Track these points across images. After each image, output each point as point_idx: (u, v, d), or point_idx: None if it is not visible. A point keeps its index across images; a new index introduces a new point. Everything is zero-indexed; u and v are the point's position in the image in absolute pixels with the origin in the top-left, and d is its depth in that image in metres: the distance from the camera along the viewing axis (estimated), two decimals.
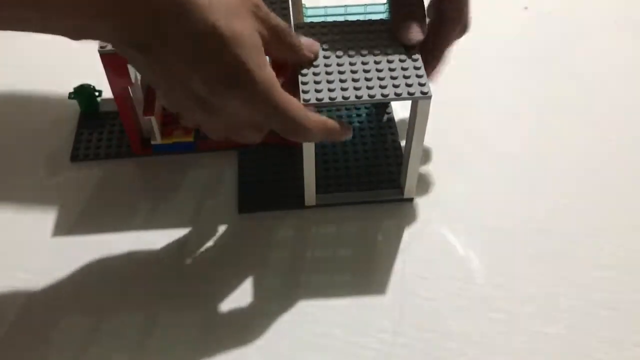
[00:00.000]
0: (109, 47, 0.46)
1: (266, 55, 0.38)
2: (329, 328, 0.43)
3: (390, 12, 0.45)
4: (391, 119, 0.55)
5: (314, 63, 0.43)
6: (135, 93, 0.50)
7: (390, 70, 0.43)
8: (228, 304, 0.44)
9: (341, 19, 0.53)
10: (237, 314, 0.44)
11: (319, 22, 0.46)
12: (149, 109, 0.49)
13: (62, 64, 0.61)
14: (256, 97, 0.36)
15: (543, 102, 0.58)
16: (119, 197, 0.51)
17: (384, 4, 0.53)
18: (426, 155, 0.53)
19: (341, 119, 0.55)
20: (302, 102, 0.42)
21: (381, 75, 0.43)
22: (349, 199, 0.50)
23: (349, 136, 0.43)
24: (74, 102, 0.56)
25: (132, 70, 0.48)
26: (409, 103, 0.44)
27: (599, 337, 0.42)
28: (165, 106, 0.40)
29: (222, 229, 0.48)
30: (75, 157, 0.53)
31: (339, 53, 0.44)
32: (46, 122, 0.56)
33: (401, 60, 0.44)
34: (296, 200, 0.50)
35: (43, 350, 0.42)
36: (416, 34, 0.43)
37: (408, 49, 0.44)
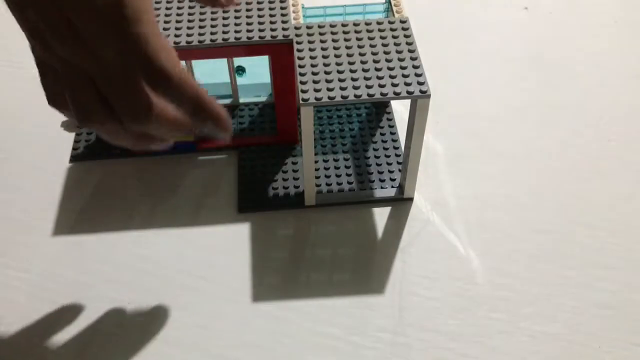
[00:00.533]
0: None
1: None
2: (329, 328, 0.43)
3: None
4: (391, 119, 0.55)
5: (313, 63, 0.43)
6: None
7: (389, 69, 0.43)
8: (228, 304, 0.44)
9: (340, 18, 0.53)
10: (236, 314, 0.44)
11: (318, 22, 0.46)
12: None
13: None
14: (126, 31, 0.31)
15: (543, 102, 0.58)
16: (119, 196, 0.51)
17: (384, 3, 0.53)
18: (426, 155, 0.53)
19: (341, 118, 0.55)
20: (300, 101, 0.42)
21: (380, 74, 0.43)
22: (349, 199, 0.50)
23: (224, 128, 0.36)
24: None
25: None
26: (408, 102, 0.44)
27: (599, 337, 0.42)
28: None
29: (222, 228, 0.48)
30: (75, 157, 0.53)
31: (338, 53, 0.44)
32: (46, 122, 0.56)
33: (400, 60, 0.44)
34: (296, 200, 0.50)
35: (43, 350, 0.42)
36: None
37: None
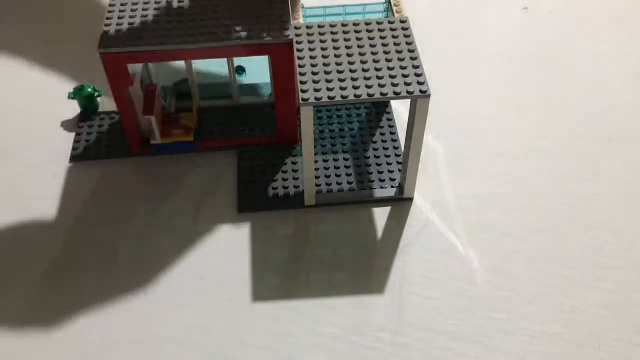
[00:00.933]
0: (109, 47, 0.46)
1: None
2: (329, 328, 0.43)
3: None
4: (391, 119, 0.55)
5: (313, 63, 0.43)
6: (135, 93, 0.50)
7: (389, 69, 0.43)
8: (227, 304, 0.44)
9: (340, 18, 0.53)
10: (236, 314, 0.44)
11: (318, 22, 0.46)
12: (148, 109, 0.49)
13: (62, 64, 0.61)
14: None
15: (543, 102, 0.58)
16: (119, 196, 0.51)
17: (384, 3, 0.53)
18: (426, 155, 0.53)
19: (341, 118, 0.55)
20: (300, 101, 0.42)
21: (380, 74, 0.43)
22: (349, 199, 0.50)
23: None
24: (74, 102, 0.56)
25: (132, 70, 0.48)
26: (408, 102, 0.44)
27: (599, 337, 0.42)
28: None
29: (222, 228, 0.48)
30: (75, 157, 0.53)
31: (338, 53, 0.44)
32: (46, 122, 0.56)
33: (400, 60, 0.44)
34: (296, 200, 0.50)
35: (43, 350, 0.42)
36: None
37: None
